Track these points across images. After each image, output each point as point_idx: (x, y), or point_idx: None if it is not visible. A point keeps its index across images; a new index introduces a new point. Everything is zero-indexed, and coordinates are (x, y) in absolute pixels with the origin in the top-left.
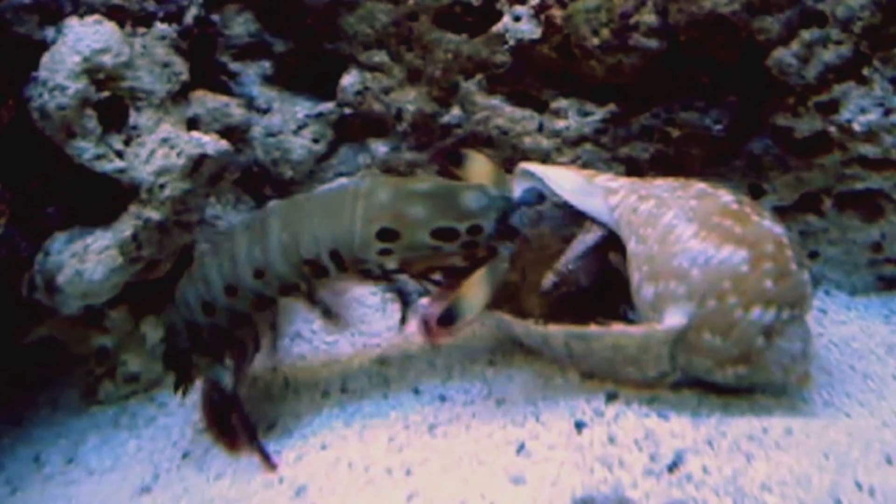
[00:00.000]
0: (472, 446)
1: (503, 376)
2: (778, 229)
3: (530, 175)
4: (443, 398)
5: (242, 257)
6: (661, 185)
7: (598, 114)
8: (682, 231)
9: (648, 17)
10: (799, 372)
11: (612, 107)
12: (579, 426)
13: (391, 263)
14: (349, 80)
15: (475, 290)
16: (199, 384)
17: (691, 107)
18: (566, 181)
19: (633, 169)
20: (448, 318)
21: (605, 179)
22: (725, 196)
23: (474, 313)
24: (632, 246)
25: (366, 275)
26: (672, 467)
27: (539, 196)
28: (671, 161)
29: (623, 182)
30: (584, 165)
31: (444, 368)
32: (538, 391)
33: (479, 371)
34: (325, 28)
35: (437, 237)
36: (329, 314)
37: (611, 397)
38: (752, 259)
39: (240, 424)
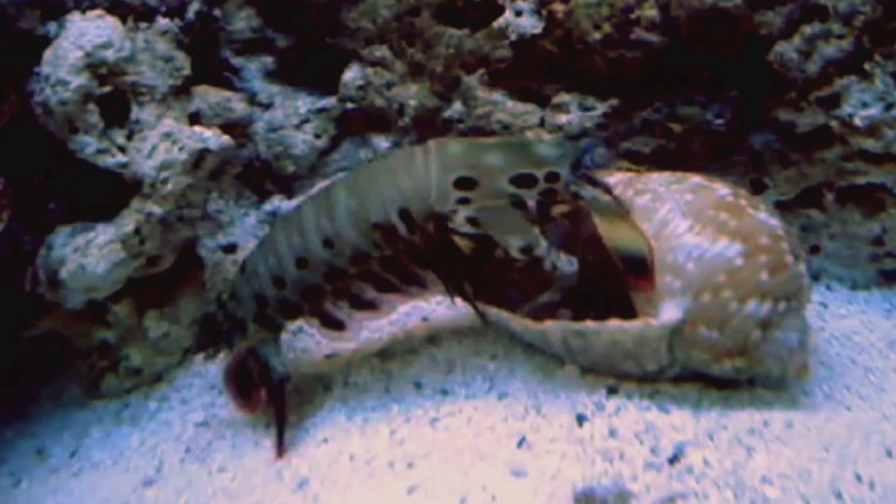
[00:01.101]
0: (473, 439)
1: (505, 370)
2: (774, 222)
3: None
4: (444, 392)
5: (311, 228)
6: (657, 179)
7: (600, 108)
8: (677, 225)
9: (650, 12)
10: (797, 364)
11: (613, 101)
12: (580, 419)
13: (468, 212)
14: (351, 75)
15: (621, 231)
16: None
17: (693, 101)
18: None
19: (635, 163)
20: (641, 265)
21: (603, 175)
22: (721, 189)
23: (649, 250)
24: None
25: (436, 238)
26: (673, 460)
27: (596, 145)
28: (673, 156)
29: (620, 177)
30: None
31: (445, 362)
32: (539, 385)
33: (480, 365)
34: (327, 23)
35: (516, 184)
36: (332, 324)
37: (612, 391)
38: (747, 252)
39: (275, 407)
